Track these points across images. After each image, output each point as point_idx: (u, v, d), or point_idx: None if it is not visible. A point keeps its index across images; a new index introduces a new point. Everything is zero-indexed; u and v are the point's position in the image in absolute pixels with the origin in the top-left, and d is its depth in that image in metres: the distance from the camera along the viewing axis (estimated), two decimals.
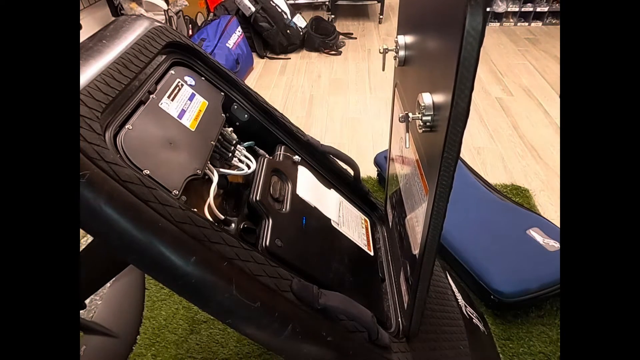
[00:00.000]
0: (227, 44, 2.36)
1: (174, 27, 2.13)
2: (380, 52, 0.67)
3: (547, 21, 3.29)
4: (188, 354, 1.04)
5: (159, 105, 0.59)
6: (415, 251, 0.58)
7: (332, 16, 3.38)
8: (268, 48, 2.88)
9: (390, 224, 0.86)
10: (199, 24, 2.76)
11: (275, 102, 2.22)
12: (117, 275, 0.79)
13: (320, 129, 2.03)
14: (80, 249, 0.71)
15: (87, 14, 2.61)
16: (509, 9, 3.24)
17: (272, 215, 0.61)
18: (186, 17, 2.66)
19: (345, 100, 2.30)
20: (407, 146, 0.58)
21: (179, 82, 0.66)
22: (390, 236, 0.86)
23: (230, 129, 0.75)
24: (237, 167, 0.71)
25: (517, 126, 2.00)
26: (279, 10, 2.73)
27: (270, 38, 2.77)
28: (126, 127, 0.51)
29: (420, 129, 0.46)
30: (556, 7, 3.22)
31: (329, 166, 0.88)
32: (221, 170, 0.65)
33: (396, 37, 0.65)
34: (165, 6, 2.55)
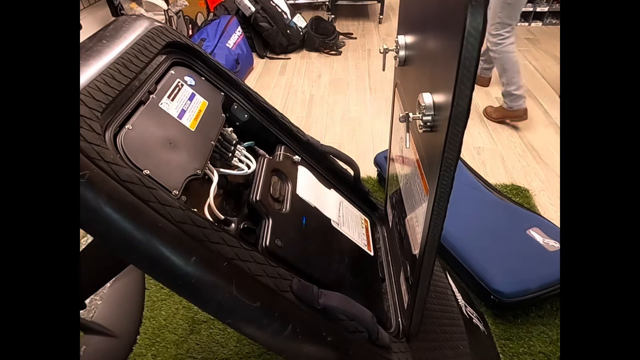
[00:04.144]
0: (227, 44, 2.36)
1: (174, 27, 2.13)
2: (380, 52, 0.67)
3: (547, 21, 3.29)
4: (188, 354, 1.04)
5: (159, 105, 0.59)
6: (415, 251, 0.58)
7: (332, 16, 3.38)
8: (268, 48, 2.87)
9: (390, 224, 0.86)
10: (199, 24, 2.76)
11: (275, 102, 2.23)
12: (117, 275, 0.79)
13: (320, 129, 2.03)
14: (80, 249, 0.71)
15: (87, 14, 2.61)
16: None
17: (272, 215, 0.61)
18: (186, 17, 2.66)
19: (345, 100, 2.30)
20: (408, 146, 0.58)
21: (179, 82, 0.66)
22: (390, 236, 0.86)
23: (230, 129, 0.75)
24: (237, 167, 0.70)
25: (517, 126, 2.00)
26: (279, 10, 2.73)
27: (270, 38, 2.77)
28: (126, 127, 0.51)
29: (421, 129, 0.46)
30: (556, 7, 3.22)
31: (329, 166, 0.88)
32: (221, 170, 0.65)
33: (396, 37, 0.65)
34: (165, 6, 2.55)
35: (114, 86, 0.51)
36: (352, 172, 0.90)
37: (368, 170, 1.66)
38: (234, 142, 0.72)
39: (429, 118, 0.45)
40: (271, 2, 2.69)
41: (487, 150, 1.82)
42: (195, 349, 1.05)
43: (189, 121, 0.62)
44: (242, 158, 0.72)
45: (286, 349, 0.49)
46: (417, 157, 0.56)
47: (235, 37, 2.44)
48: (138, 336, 1.08)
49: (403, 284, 0.70)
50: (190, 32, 2.63)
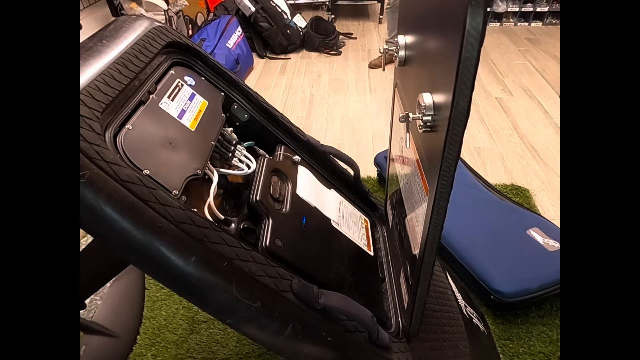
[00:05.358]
0: (227, 44, 2.36)
1: (174, 27, 2.13)
2: (380, 52, 0.67)
3: (547, 21, 3.29)
4: (188, 354, 1.04)
5: (159, 105, 0.59)
6: (415, 251, 0.58)
7: (332, 16, 3.38)
8: (268, 48, 2.88)
9: (390, 224, 0.86)
10: (199, 24, 2.76)
11: (275, 102, 2.23)
12: (117, 275, 0.79)
13: (320, 129, 2.03)
14: (80, 249, 0.71)
15: (87, 14, 2.61)
16: (509, 9, 3.24)
17: (272, 215, 0.61)
18: (186, 17, 2.66)
19: (345, 100, 2.30)
20: (408, 146, 0.58)
21: (179, 82, 0.66)
22: (390, 236, 0.86)
23: (230, 129, 0.75)
24: (237, 167, 0.70)
25: (517, 126, 2.00)
26: (279, 10, 2.73)
27: (270, 38, 2.77)
28: (126, 127, 0.51)
29: (421, 129, 0.46)
30: (556, 7, 3.22)
31: (329, 166, 0.88)
32: (221, 170, 0.65)
33: (396, 37, 0.65)
34: (165, 6, 2.55)
35: (114, 86, 0.51)
36: (352, 172, 0.90)
37: (368, 170, 1.66)
38: (234, 142, 0.72)
39: (429, 118, 0.45)
40: (271, 2, 2.70)
41: (487, 150, 1.82)
42: (195, 349, 1.05)
43: (189, 121, 0.62)
44: (242, 158, 0.72)
45: (286, 349, 0.49)
46: (417, 157, 0.56)
47: (235, 37, 2.44)
48: (138, 336, 1.08)
49: (403, 284, 0.70)
50: (190, 32, 2.63)
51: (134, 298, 1.17)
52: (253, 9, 2.65)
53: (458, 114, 0.37)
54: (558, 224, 1.28)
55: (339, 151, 0.85)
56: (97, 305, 1.13)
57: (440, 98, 0.42)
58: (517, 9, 3.23)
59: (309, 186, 0.75)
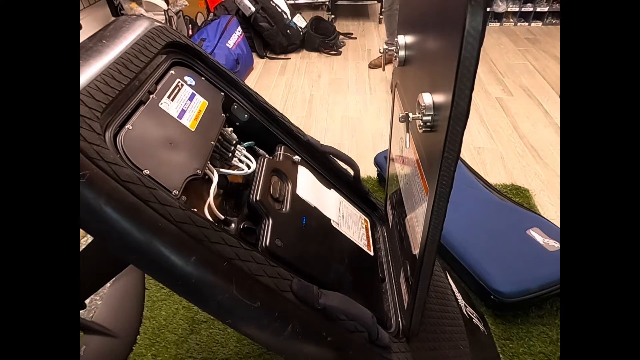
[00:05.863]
0: (227, 44, 2.36)
1: (174, 27, 2.13)
2: (380, 52, 0.67)
3: (547, 21, 3.29)
4: (188, 354, 1.04)
5: (159, 105, 0.59)
6: (415, 251, 0.58)
7: (332, 16, 3.38)
8: (268, 48, 2.87)
9: (390, 224, 0.86)
10: (199, 24, 2.76)
11: (275, 102, 2.23)
12: (117, 275, 0.79)
13: (320, 129, 2.03)
14: (80, 249, 0.71)
15: (87, 14, 2.61)
16: (509, 9, 3.24)
17: (272, 215, 0.61)
18: (186, 17, 2.66)
19: (345, 100, 2.30)
20: (407, 146, 0.58)
21: (179, 82, 0.66)
22: (390, 236, 0.86)
23: (230, 129, 0.75)
24: (237, 167, 0.70)
25: (517, 126, 2.00)
26: (279, 10, 2.73)
27: (270, 38, 2.77)
28: (126, 127, 0.51)
29: (421, 129, 0.46)
30: (556, 7, 3.22)
31: (329, 166, 0.88)
32: (221, 170, 0.65)
33: (396, 37, 0.65)
34: (165, 6, 2.55)
35: (114, 86, 0.51)
36: (352, 172, 0.90)
37: (368, 170, 1.66)
38: (234, 142, 0.72)
39: (429, 118, 0.45)
40: (271, 2, 2.70)
41: (487, 150, 1.82)
42: (195, 349, 1.05)
43: (189, 121, 0.62)
44: (242, 158, 0.72)
45: (286, 349, 0.49)
46: (417, 157, 0.56)
47: (235, 37, 2.44)
48: (138, 336, 1.08)
49: (403, 284, 0.70)
50: (190, 32, 2.63)
51: (134, 298, 1.17)
52: (253, 9, 2.65)
53: (458, 113, 0.37)
54: (558, 224, 1.28)
55: (339, 151, 0.85)
56: (97, 305, 1.13)
57: (440, 98, 0.42)
58: (517, 9, 3.23)
59: (309, 186, 0.75)
